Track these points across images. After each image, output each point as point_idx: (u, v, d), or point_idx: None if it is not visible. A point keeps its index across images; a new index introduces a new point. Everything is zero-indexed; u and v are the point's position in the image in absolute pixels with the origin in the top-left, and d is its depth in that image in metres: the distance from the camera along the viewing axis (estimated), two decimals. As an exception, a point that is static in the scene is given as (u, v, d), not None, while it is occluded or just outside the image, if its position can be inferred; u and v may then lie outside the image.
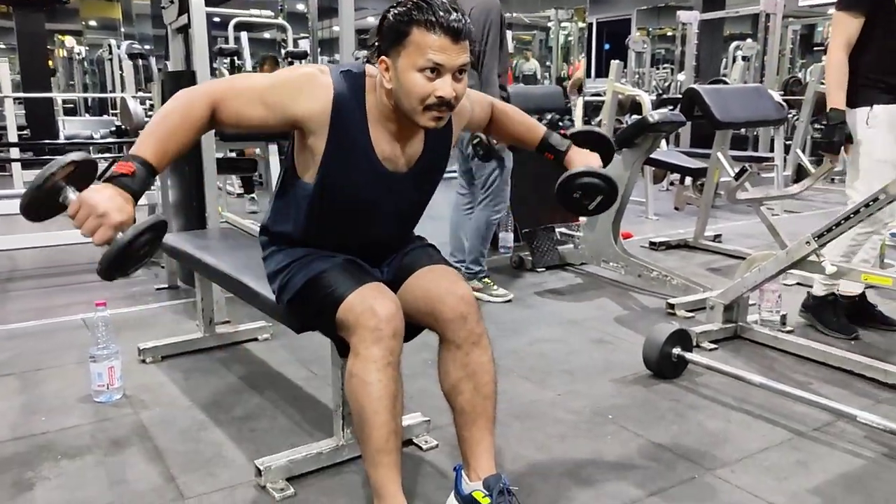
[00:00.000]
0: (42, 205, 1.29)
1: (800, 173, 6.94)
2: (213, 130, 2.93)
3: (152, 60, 9.96)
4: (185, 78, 2.93)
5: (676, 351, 2.44)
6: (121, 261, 1.28)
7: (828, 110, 2.65)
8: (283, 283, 1.65)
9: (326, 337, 1.72)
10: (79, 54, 12.60)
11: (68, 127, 6.21)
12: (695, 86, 4.23)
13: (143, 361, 2.62)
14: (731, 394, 2.32)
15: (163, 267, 3.94)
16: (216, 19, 10.30)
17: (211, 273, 2.25)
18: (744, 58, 10.83)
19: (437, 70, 1.42)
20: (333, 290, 1.54)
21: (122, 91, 8.30)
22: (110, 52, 9.18)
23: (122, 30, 14.69)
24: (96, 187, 1.28)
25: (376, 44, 1.49)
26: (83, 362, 2.58)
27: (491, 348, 1.62)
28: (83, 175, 1.32)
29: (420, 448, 1.99)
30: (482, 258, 3.43)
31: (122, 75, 8.32)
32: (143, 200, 4.19)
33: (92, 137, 5.86)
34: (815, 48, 14.25)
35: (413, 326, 1.63)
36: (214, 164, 2.95)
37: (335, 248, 1.64)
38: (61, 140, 6.03)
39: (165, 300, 3.45)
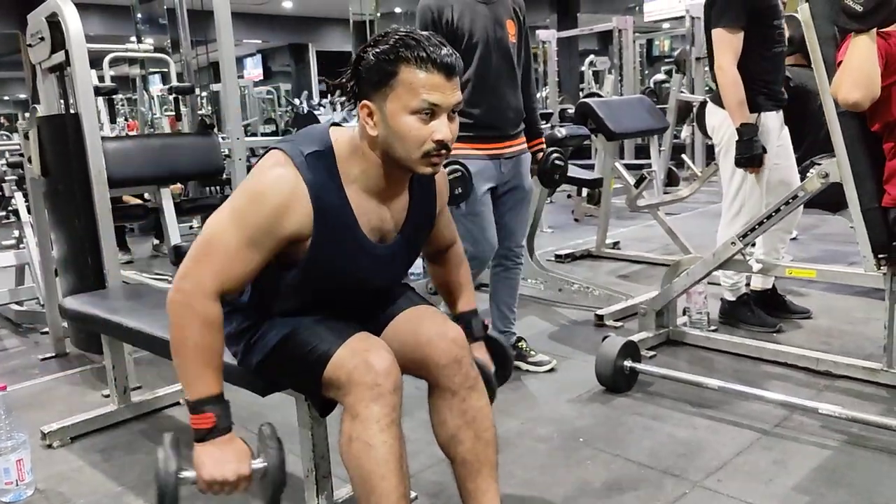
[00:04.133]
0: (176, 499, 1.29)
1: (671, 178, 7.40)
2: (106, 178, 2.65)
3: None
4: (68, 123, 2.62)
5: (628, 364, 2.44)
6: (282, 487, 1.34)
7: (737, 126, 2.69)
8: (250, 344, 1.46)
9: (301, 394, 1.56)
10: None
11: None
12: (587, 101, 4.36)
13: (50, 447, 2.28)
14: (686, 399, 2.34)
15: (44, 333, 3.52)
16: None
17: (136, 339, 2.00)
18: (596, 72, 11.44)
19: (432, 112, 1.29)
20: (315, 346, 1.37)
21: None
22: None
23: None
24: (202, 459, 1.28)
25: (353, 88, 1.34)
26: (-26, 457, 2.22)
27: (486, 391, 1.51)
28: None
29: (398, 503, 1.83)
30: None
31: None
32: (11, 261, 3.80)
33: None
34: (657, 60, 15.36)
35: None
36: (111, 216, 2.65)
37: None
38: None
39: (56, 371, 3.05)
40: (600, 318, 3.20)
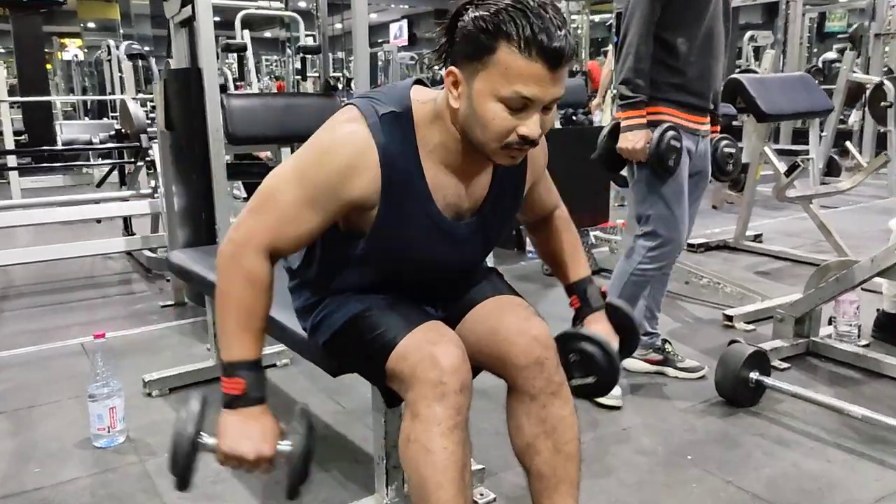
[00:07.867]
0: (189, 468, 1.16)
1: (831, 167, 6.67)
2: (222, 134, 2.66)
3: (152, 61, 9.70)
4: (192, 75, 2.64)
5: (754, 376, 2.15)
6: (303, 478, 1.19)
7: None
8: (317, 321, 1.36)
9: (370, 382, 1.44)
10: (76, 56, 12.36)
11: (66, 131, 5.92)
12: (738, 76, 3.94)
13: (149, 395, 2.34)
14: (821, 424, 2.03)
15: (167, 280, 3.67)
16: (216, 18, 10.06)
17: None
18: (756, 48, 10.55)
19: (524, 104, 1.10)
20: (382, 332, 1.24)
21: (122, 93, 8.02)
22: (109, 54, 8.89)
23: (121, 31, 14.39)
24: (225, 428, 1.16)
25: (444, 46, 1.15)
26: (82, 396, 2.31)
27: (572, 398, 1.32)
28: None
29: None
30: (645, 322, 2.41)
31: (121, 77, 8.04)
32: (145, 209, 3.97)
33: (91, 142, 5.57)
34: (827, 37, 13.98)
35: (473, 367, 1.33)
36: (224, 173, 2.67)
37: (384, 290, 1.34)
38: (59, 146, 5.74)
39: (172, 319, 3.16)
40: (729, 318, 2.89)
